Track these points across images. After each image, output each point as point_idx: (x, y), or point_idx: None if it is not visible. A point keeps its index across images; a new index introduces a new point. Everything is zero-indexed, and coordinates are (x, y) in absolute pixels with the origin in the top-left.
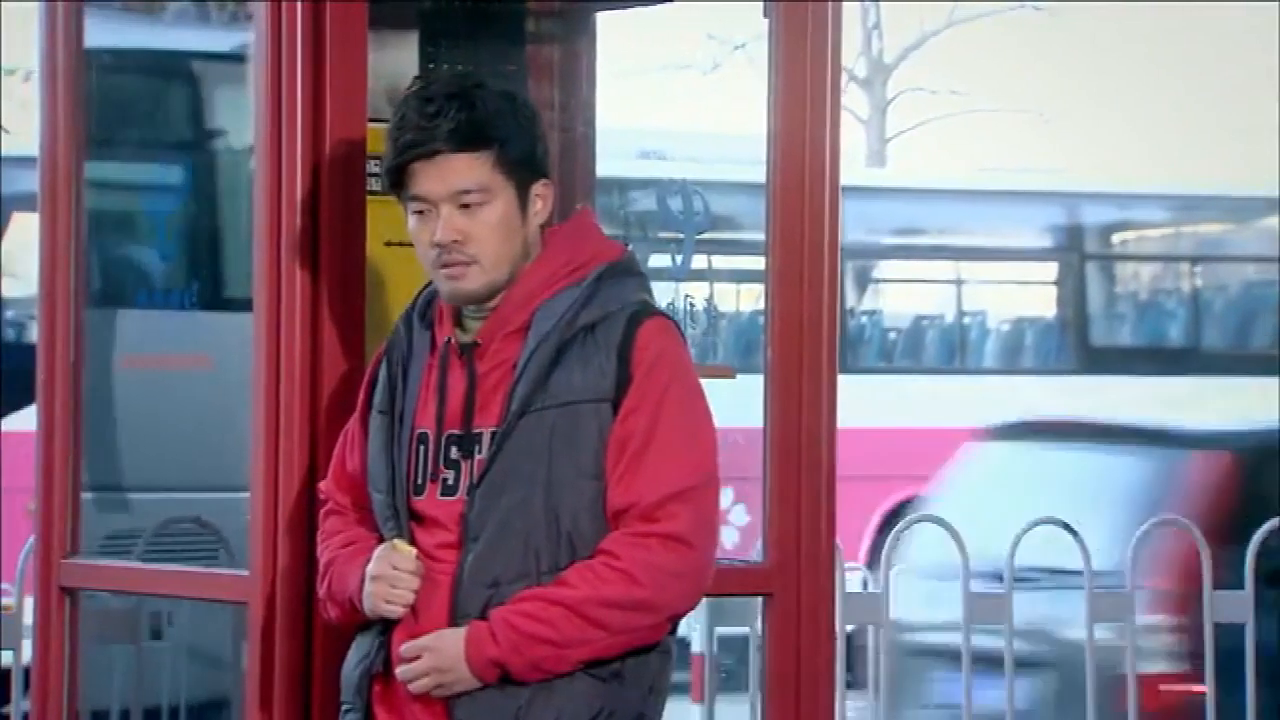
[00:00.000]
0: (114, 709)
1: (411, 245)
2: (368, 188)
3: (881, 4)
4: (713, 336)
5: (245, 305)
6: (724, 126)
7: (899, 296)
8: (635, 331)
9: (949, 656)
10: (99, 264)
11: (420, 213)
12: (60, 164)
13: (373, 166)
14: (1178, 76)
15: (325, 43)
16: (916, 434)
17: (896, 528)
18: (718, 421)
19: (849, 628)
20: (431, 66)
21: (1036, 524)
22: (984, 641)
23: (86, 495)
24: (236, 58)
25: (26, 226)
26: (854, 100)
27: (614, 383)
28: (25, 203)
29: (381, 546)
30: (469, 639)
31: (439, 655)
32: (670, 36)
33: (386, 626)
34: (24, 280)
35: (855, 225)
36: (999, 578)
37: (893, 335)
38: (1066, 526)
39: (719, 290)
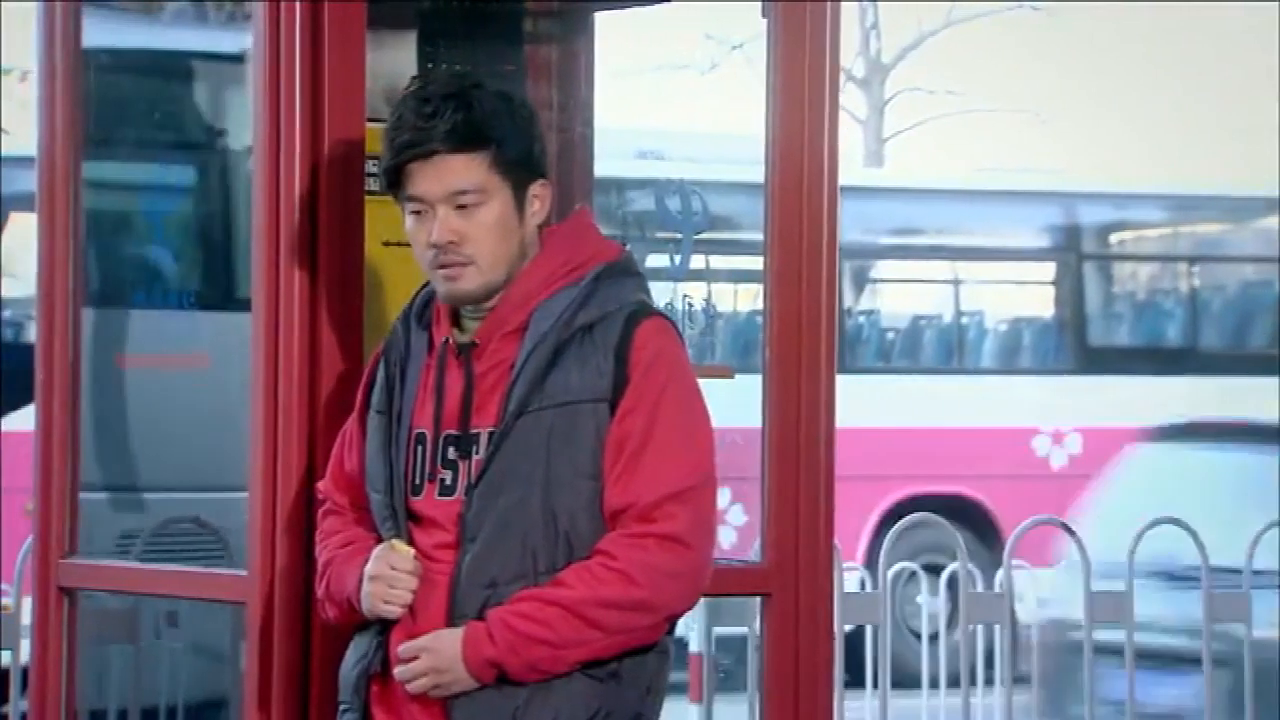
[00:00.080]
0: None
1: (409, 245)
2: (366, 188)
3: (879, 4)
4: (711, 336)
5: (244, 305)
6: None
7: (897, 296)
8: (633, 332)
9: (1110, 652)
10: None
11: (417, 213)
12: (58, 164)
13: (371, 166)
14: (1175, 76)
15: (324, 43)
16: (914, 434)
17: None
18: (716, 421)
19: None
20: (430, 66)
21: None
22: (1157, 639)
23: (99, 495)
24: (235, 58)
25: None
26: (852, 100)
27: (611, 383)
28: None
29: (379, 547)
30: (466, 639)
31: (436, 656)
32: (667, 36)
33: (384, 626)
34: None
35: (853, 225)
36: (1170, 576)
37: (890, 335)
38: (1065, 526)
39: (717, 290)
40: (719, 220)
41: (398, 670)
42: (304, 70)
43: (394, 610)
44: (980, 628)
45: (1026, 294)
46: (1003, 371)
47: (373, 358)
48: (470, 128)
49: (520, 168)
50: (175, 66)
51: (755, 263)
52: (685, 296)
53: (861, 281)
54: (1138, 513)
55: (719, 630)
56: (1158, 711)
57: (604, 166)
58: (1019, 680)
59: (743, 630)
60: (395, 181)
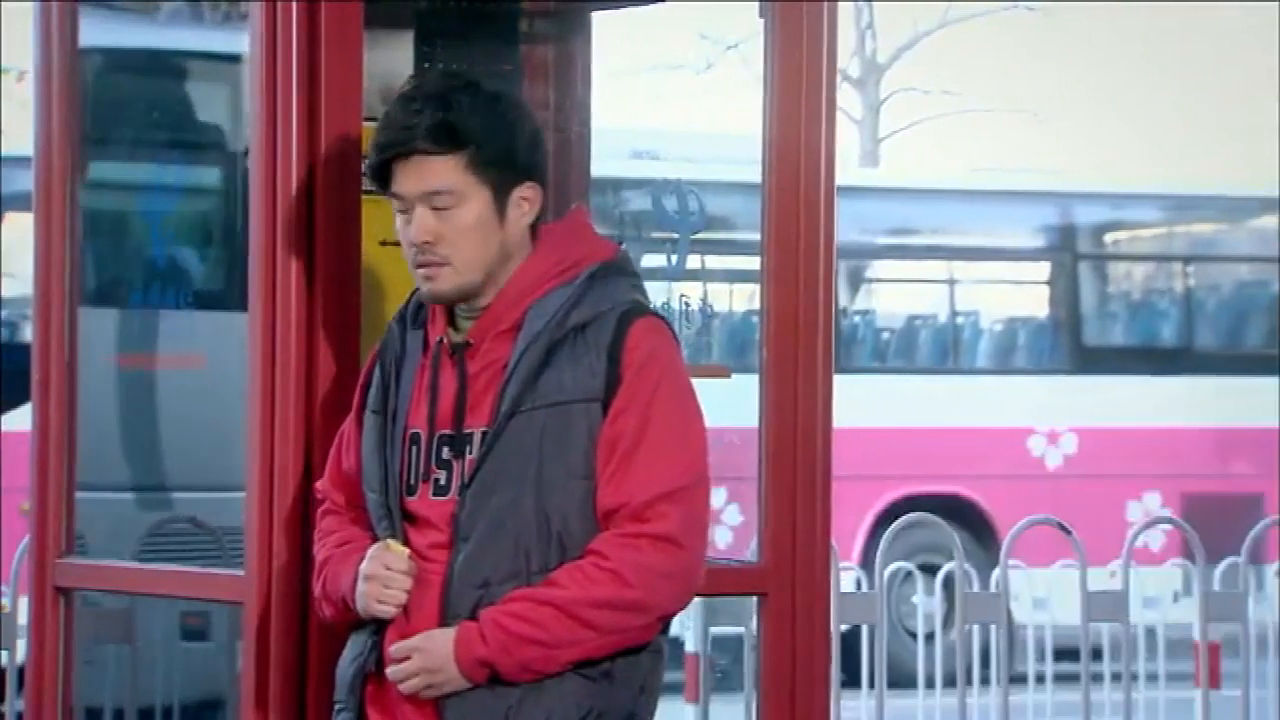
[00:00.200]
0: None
1: None
2: (363, 187)
3: (875, 4)
4: (707, 336)
5: (241, 305)
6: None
7: (892, 296)
8: (626, 331)
9: None
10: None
11: (403, 211)
12: (55, 164)
13: (370, 176)
14: (1172, 76)
15: (320, 42)
16: (910, 434)
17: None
18: (713, 421)
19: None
20: (426, 66)
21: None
22: None
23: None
24: (232, 57)
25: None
26: (847, 100)
27: (604, 383)
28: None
29: (374, 546)
30: (458, 639)
31: (428, 656)
32: (663, 36)
33: (380, 626)
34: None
35: (848, 225)
36: None
37: (886, 335)
38: (1061, 526)
39: (713, 290)
40: (715, 220)
41: (390, 670)
42: (301, 70)
43: (388, 610)
44: (975, 627)
45: (1022, 294)
46: (998, 371)
47: (370, 357)
48: (445, 129)
49: (501, 170)
50: (173, 66)
51: (751, 262)
52: (682, 296)
53: (857, 281)
54: None
55: (715, 630)
56: None
57: (600, 166)
58: (1015, 680)
59: (739, 630)
60: (383, 180)
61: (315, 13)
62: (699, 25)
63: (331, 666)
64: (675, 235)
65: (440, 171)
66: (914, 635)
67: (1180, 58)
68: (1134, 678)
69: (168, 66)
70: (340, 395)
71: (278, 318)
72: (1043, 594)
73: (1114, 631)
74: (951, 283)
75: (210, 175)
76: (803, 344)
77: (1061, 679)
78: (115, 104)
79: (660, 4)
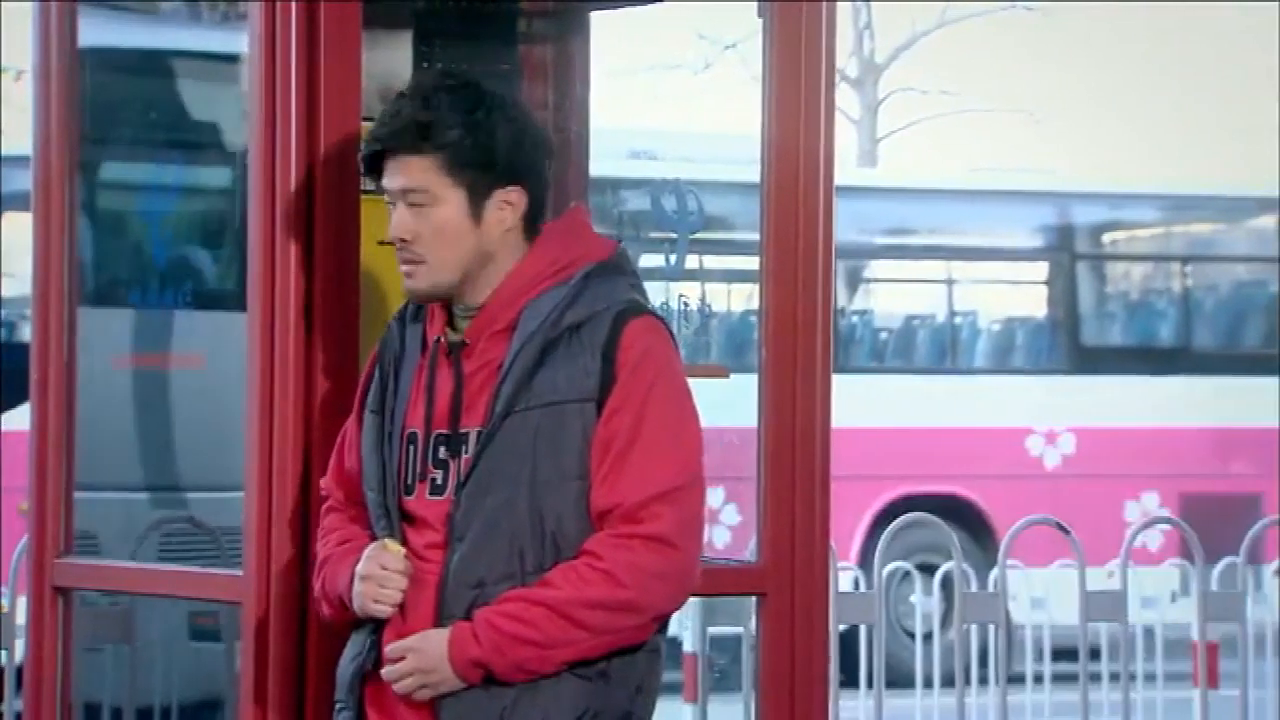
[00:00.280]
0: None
1: None
2: (361, 187)
3: (873, 4)
4: (705, 336)
5: (240, 304)
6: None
7: (890, 296)
8: (620, 331)
9: None
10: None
11: (391, 205)
12: (54, 163)
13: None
14: (1170, 76)
15: (319, 42)
16: (908, 434)
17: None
18: (711, 421)
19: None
20: (425, 66)
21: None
22: None
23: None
24: (231, 57)
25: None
26: (845, 100)
27: (598, 382)
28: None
29: (371, 546)
30: (452, 640)
31: (423, 656)
32: (661, 36)
33: (379, 625)
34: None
35: (846, 225)
36: None
37: (884, 335)
38: (1060, 526)
39: (710, 290)
40: (713, 220)
41: (385, 671)
42: (300, 70)
43: (384, 610)
44: (974, 627)
45: (1020, 294)
46: (996, 371)
47: (371, 356)
48: (420, 129)
49: (477, 172)
50: (173, 66)
51: (749, 262)
52: (680, 296)
53: (855, 281)
54: None
55: (714, 630)
56: None
57: (598, 166)
58: (1013, 679)
59: (738, 630)
60: (376, 174)
61: (314, 13)
62: (697, 25)
63: (330, 666)
64: (674, 235)
65: (414, 170)
66: (912, 635)
67: (1179, 58)
68: (1132, 678)
69: (167, 66)
70: (339, 395)
71: (276, 318)
72: (1041, 594)
73: (1112, 631)
74: (949, 283)
75: (209, 175)
76: (801, 344)
77: (1060, 679)
78: (114, 104)
79: (658, 4)
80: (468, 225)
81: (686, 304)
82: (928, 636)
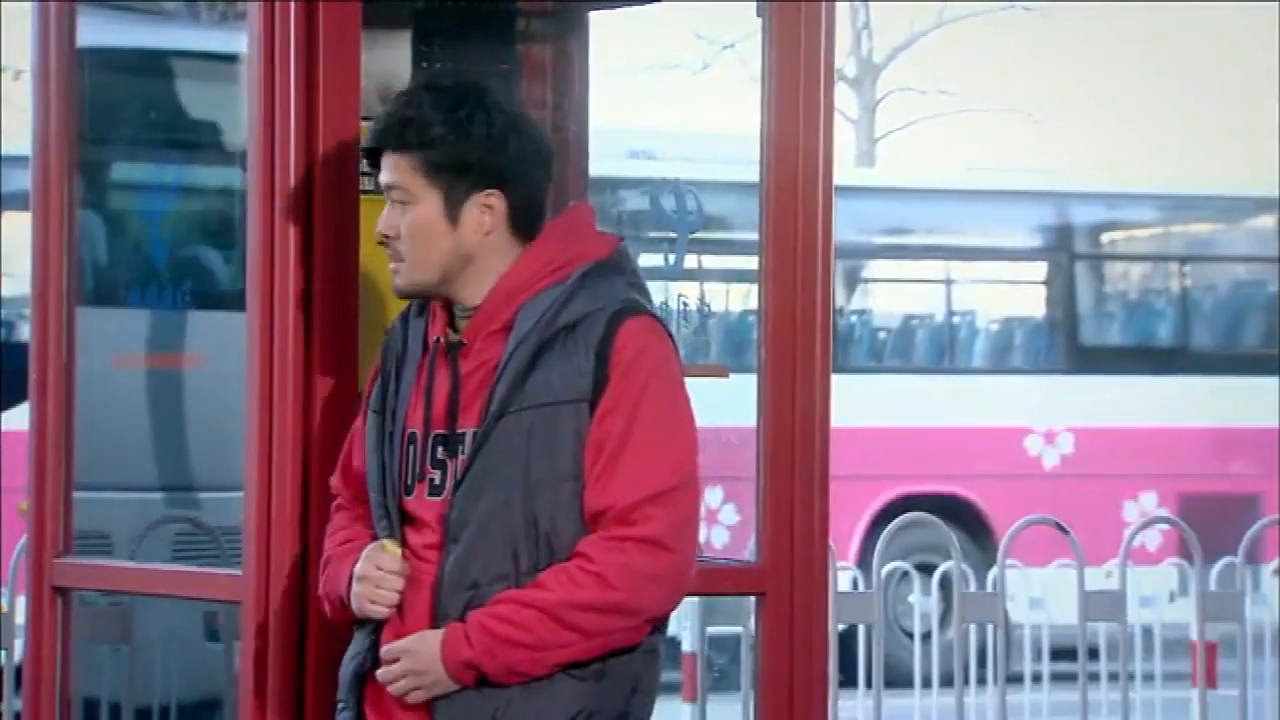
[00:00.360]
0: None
1: None
2: (361, 187)
3: (871, 4)
4: (704, 336)
5: (239, 304)
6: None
7: (888, 296)
8: (615, 331)
9: None
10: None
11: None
12: (53, 163)
13: (365, 165)
14: (1168, 76)
15: (318, 42)
16: (906, 433)
17: None
18: (711, 420)
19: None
20: (424, 66)
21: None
22: None
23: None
24: (230, 57)
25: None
26: (843, 100)
27: (592, 383)
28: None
29: (369, 546)
30: (445, 642)
31: (416, 658)
32: (659, 36)
33: (379, 625)
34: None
35: (844, 225)
36: None
37: (882, 335)
38: (1059, 526)
39: (710, 289)
40: (711, 220)
41: (379, 672)
42: (299, 70)
43: (380, 610)
44: (972, 627)
45: (1018, 294)
46: (995, 371)
47: (379, 355)
48: (401, 128)
49: (454, 175)
50: (172, 66)
51: (747, 262)
52: (680, 296)
53: (853, 281)
54: None
55: (713, 629)
56: None
57: (597, 166)
58: (1012, 679)
59: (737, 629)
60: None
61: (313, 13)
62: (695, 25)
63: (330, 666)
64: (673, 235)
65: (396, 169)
66: (911, 635)
67: (1177, 58)
68: (1131, 677)
69: (168, 66)
70: (338, 395)
71: (276, 317)
72: (1039, 594)
73: (1111, 631)
74: (948, 282)
75: (209, 175)
76: (801, 344)
77: (1058, 678)
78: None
79: (656, 4)
80: (444, 226)
81: (686, 304)
82: (926, 636)
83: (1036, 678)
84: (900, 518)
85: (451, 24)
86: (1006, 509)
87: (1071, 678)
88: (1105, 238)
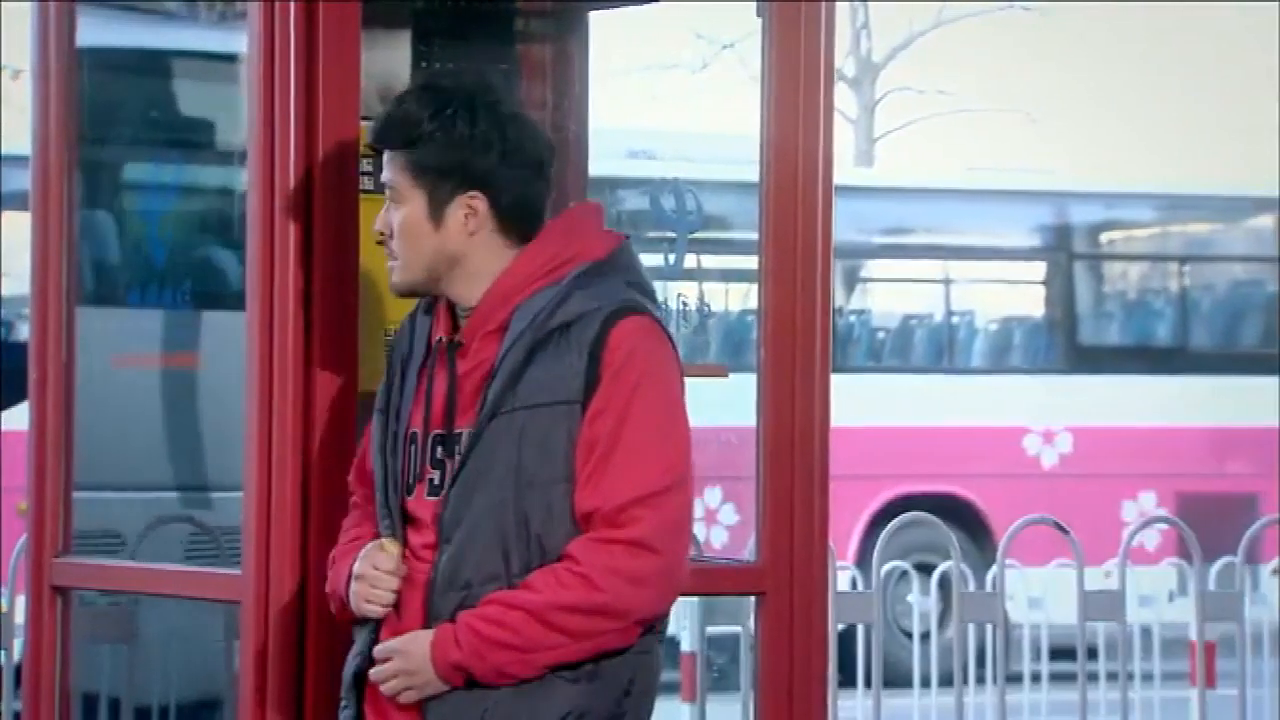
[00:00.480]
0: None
1: None
2: (360, 186)
3: (870, 4)
4: (704, 335)
5: (239, 304)
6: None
7: (887, 296)
8: (608, 331)
9: None
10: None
11: None
12: (52, 163)
13: (365, 165)
14: (1167, 76)
15: (318, 42)
16: (905, 433)
17: None
18: (710, 420)
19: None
20: (424, 66)
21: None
22: None
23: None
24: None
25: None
26: (842, 100)
27: (584, 384)
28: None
29: (368, 546)
30: (434, 643)
31: (407, 658)
32: (658, 36)
33: (379, 625)
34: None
35: (843, 224)
36: None
37: (881, 335)
38: (1058, 525)
39: (709, 289)
40: (711, 219)
41: (372, 672)
42: (299, 70)
43: (375, 609)
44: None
45: (1017, 293)
46: (993, 371)
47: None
48: (390, 126)
49: (437, 175)
50: (171, 65)
51: (746, 262)
52: (680, 295)
53: (852, 281)
54: None
55: (712, 629)
56: None
57: (596, 166)
58: (1011, 679)
59: (736, 629)
60: None
61: (313, 13)
62: (694, 25)
63: (329, 666)
64: (673, 234)
65: (390, 166)
66: (910, 634)
67: (1176, 57)
68: (1130, 677)
69: (167, 66)
70: (338, 395)
71: (275, 317)
72: (1038, 593)
73: (1110, 631)
74: (947, 282)
75: (209, 174)
76: (800, 343)
77: (1057, 678)
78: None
79: (655, 3)
80: (428, 227)
81: (685, 303)
82: (925, 636)
83: (1035, 677)
84: (899, 517)
85: (451, 24)
86: (1005, 509)
87: (1071, 677)
88: (1104, 237)
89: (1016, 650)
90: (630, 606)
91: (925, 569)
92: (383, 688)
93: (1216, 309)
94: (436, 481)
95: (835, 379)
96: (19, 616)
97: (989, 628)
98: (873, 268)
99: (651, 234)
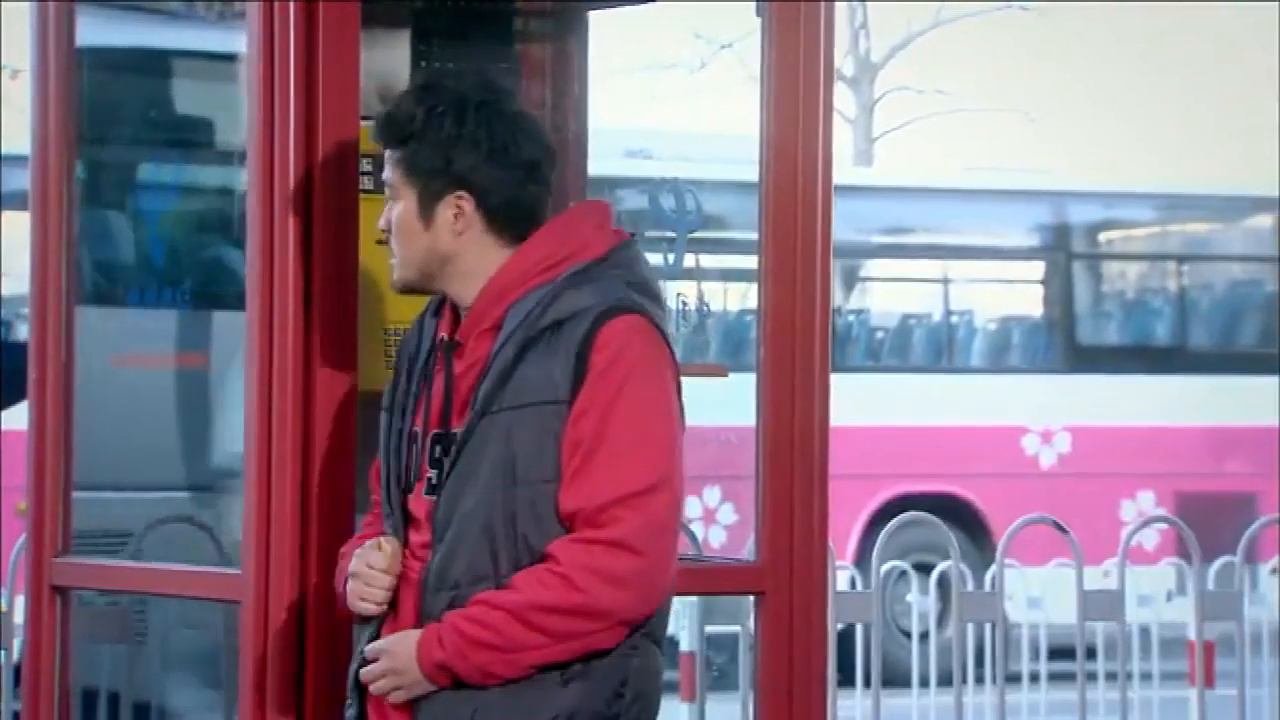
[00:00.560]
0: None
1: None
2: (360, 186)
3: (868, 3)
4: (703, 335)
5: (239, 304)
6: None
7: (886, 295)
8: (597, 330)
9: None
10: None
11: None
12: (51, 162)
13: (365, 165)
14: (1166, 76)
15: (318, 42)
16: (904, 433)
17: None
18: (710, 420)
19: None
20: (423, 65)
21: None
22: None
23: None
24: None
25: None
26: (841, 99)
27: (571, 384)
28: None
29: (367, 544)
30: (420, 642)
31: (396, 658)
32: (656, 36)
33: (381, 623)
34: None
35: (842, 224)
36: None
37: (880, 334)
38: (1057, 525)
39: (708, 288)
40: (710, 219)
41: (363, 671)
42: (298, 69)
43: (369, 608)
44: (970, 626)
45: (1016, 293)
46: (992, 370)
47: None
48: (386, 124)
49: (428, 174)
50: (171, 65)
51: (746, 261)
52: (679, 295)
53: (851, 280)
54: None
55: (711, 629)
56: None
57: (594, 165)
58: (1010, 679)
59: (735, 629)
60: None
61: (313, 12)
62: (693, 24)
63: (329, 665)
64: (672, 234)
65: (388, 164)
66: (908, 634)
67: (1175, 57)
68: (1129, 677)
69: (167, 65)
70: (338, 395)
71: (275, 317)
72: (1037, 593)
73: (1109, 630)
74: (945, 282)
75: (208, 174)
76: (800, 343)
77: (1056, 678)
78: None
79: (653, 3)
80: (418, 225)
81: (685, 303)
82: (925, 635)
83: (1035, 677)
84: (898, 517)
85: (450, 24)
86: (1003, 508)
87: (1070, 677)
88: (1103, 237)
89: (1015, 650)
90: (610, 607)
91: (924, 569)
92: (373, 687)
93: (1215, 309)
94: (434, 480)
95: (835, 379)
96: (19, 616)
97: (988, 627)
98: (871, 267)
99: (651, 233)
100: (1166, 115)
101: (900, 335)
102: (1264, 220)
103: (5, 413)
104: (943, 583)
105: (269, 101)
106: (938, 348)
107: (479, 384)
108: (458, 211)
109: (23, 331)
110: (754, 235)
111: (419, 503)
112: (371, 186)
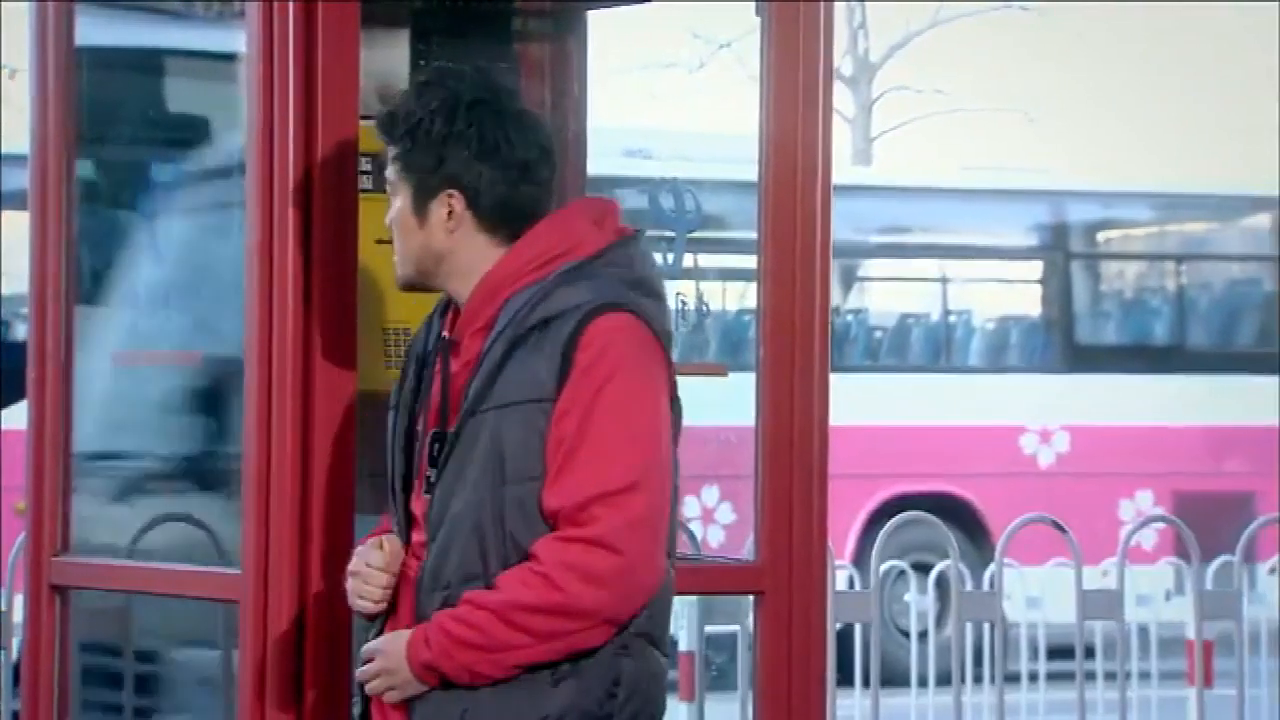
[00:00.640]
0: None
1: None
2: (359, 186)
3: (867, 3)
4: (702, 335)
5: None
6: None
7: (885, 295)
8: (583, 328)
9: None
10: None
11: None
12: (50, 162)
13: (364, 164)
14: (1164, 75)
15: (317, 41)
16: (902, 432)
17: None
18: (709, 419)
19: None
20: (422, 65)
21: (1027, 522)
22: None
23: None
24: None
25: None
26: (839, 99)
27: (556, 382)
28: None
29: (368, 542)
30: (410, 642)
31: (388, 657)
32: (655, 35)
33: (385, 622)
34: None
35: (841, 224)
36: None
37: (878, 334)
38: (1057, 525)
39: (707, 288)
40: (709, 219)
41: (358, 671)
42: (297, 69)
43: (366, 606)
44: (969, 626)
45: (1014, 292)
46: (991, 370)
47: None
48: (385, 122)
49: (422, 172)
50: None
51: (745, 261)
52: (678, 295)
53: (849, 280)
54: None
55: (711, 628)
56: None
57: (593, 165)
58: (1009, 678)
59: (734, 628)
60: None
61: (312, 12)
62: (691, 24)
63: (329, 665)
64: (671, 234)
65: (389, 161)
66: (907, 634)
67: (1174, 57)
68: (1128, 676)
69: (167, 65)
70: (337, 394)
71: (274, 317)
72: (1036, 593)
73: (1108, 630)
74: (944, 281)
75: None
76: (799, 342)
77: (1055, 677)
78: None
79: (653, 3)
80: (413, 222)
81: (684, 303)
82: (923, 635)
83: (1033, 676)
84: (897, 516)
85: (450, 23)
86: (1002, 508)
87: (1069, 676)
88: (1101, 236)
89: (1014, 649)
90: (590, 606)
91: (923, 568)
92: (368, 688)
93: (1214, 308)
94: (433, 479)
95: (833, 378)
96: (18, 616)
97: (987, 627)
98: (870, 267)
99: (650, 233)
100: (1166, 115)
101: (899, 335)
102: (1263, 220)
103: (5, 412)
104: (941, 582)
105: (268, 101)
106: (936, 347)
107: (467, 383)
108: (450, 210)
109: (22, 331)
110: (753, 235)
111: (419, 502)
112: (371, 186)
